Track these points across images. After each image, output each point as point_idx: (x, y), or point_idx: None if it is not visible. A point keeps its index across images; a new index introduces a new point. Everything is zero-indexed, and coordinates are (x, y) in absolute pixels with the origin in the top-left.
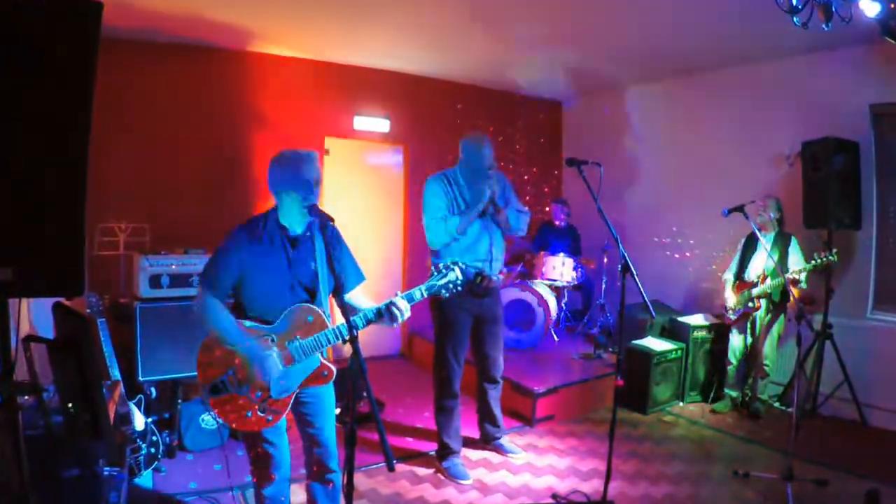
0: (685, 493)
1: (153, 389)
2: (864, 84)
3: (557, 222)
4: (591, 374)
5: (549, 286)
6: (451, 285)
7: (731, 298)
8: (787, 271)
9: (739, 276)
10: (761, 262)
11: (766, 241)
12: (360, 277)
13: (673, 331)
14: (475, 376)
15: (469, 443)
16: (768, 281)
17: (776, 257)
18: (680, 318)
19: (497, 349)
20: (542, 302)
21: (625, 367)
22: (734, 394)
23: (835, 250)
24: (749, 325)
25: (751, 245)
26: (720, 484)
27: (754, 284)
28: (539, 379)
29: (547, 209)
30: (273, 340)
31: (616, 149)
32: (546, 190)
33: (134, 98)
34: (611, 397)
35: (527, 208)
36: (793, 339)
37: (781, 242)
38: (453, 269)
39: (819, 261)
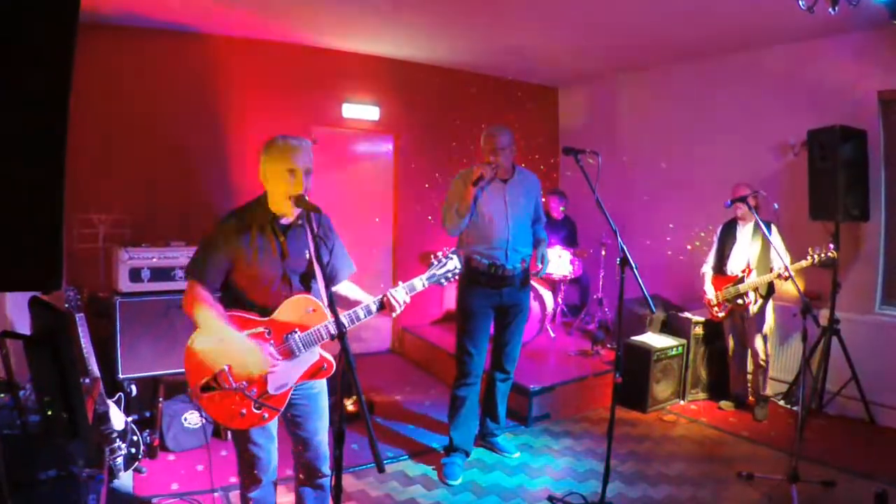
0: (686, 495)
1: (133, 387)
2: (871, 70)
3: (554, 214)
4: (588, 371)
5: (545, 280)
6: (449, 274)
7: (710, 291)
8: (769, 263)
9: (719, 268)
10: (743, 253)
11: (764, 232)
12: (351, 268)
13: (673, 326)
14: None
15: None
16: (754, 275)
17: (759, 249)
18: (681, 314)
19: (513, 339)
20: (538, 296)
21: (623, 363)
22: (737, 393)
23: (832, 246)
24: (741, 322)
25: (729, 235)
26: (723, 485)
27: (740, 279)
28: (534, 376)
29: (542, 199)
30: (268, 333)
31: (615, 138)
32: (545, 182)
33: (114, 85)
34: (609, 395)
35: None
36: (796, 335)
37: (761, 233)
38: (451, 258)
39: (817, 258)
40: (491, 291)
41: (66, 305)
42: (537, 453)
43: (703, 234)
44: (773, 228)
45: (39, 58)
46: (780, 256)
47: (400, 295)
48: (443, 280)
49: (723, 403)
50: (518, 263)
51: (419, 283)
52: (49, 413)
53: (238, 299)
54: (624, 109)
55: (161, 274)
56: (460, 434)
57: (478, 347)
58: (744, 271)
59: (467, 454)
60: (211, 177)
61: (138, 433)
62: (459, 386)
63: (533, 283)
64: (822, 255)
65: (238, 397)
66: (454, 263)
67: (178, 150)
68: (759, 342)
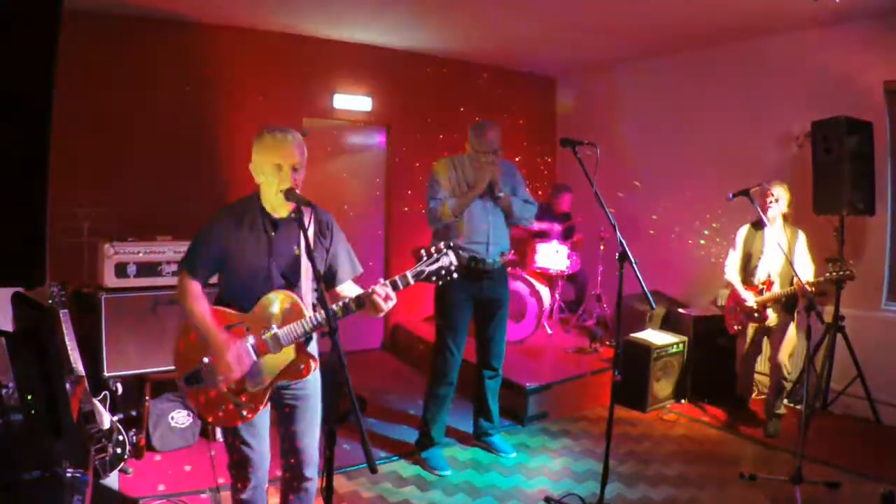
0: (687, 497)
1: (119, 385)
2: (877, 59)
3: (565, 208)
4: (586, 369)
5: (542, 275)
6: (443, 271)
7: (750, 298)
8: (792, 274)
9: (746, 277)
10: (773, 262)
11: (775, 238)
12: (354, 269)
13: (674, 323)
14: (463, 369)
15: (460, 439)
16: (775, 288)
17: (783, 258)
18: (682, 310)
19: (497, 335)
20: (534, 292)
21: (622, 361)
22: (741, 394)
23: (851, 262)
24: (760, 330)
25: (755, 241)
26: (724, 486)
27: (760, 291)
28: (531, 374)
29: (540, 192)
30: (248, 329)
31: (614, 129)
32: (545, 173)
33: (98, 74)
34: (607, 394)
35: (533, 199)
36: (800, 332)
37: (786, 241)
38: (447, 254)
39: (835, 274)
40: (470, 285)
41: (50, 302)
42: (534, 453)
43: (706, 232)
44: (801, 235)
45: (23, 52)
46: (796, 272)
47: (382, 293)
48: (433, 277)
49: (724, 403)
50: (497, 256)
51: (402, 280)
52: (33, 412)
53: (225, 292)
54: (623, 100)
55: (147, 269)
56: (437, 428)
57: (459, 345)
58: (763, 284)
59: (440, 444)
60: (199, 169)
61: (124, 433)
62: (441, 384)
63: (530, 278)
64: (840, 272)
65: (217, 393)
66: (449, 260)
67: (165, 143)
68: (783, 357)
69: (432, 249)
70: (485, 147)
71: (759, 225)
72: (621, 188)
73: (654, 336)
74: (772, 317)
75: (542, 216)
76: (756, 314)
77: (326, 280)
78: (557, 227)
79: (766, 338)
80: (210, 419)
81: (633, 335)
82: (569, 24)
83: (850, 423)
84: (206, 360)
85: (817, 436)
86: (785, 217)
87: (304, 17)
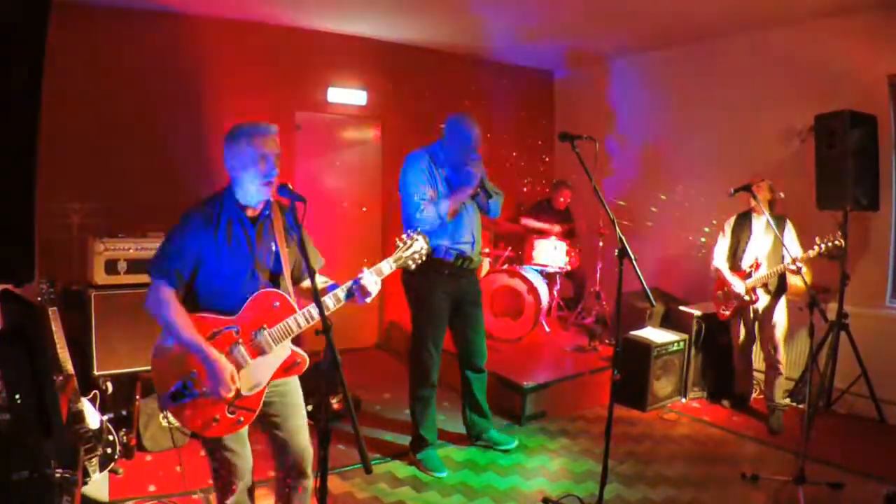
0: (688, 497)
1: (109, 384)
2: (881, 52)
3: (560, 206)
4: (585, 367)
5: (540, 272)
6: (417, 256)
7: (739, 284)
8: (780, 257)
9: (734, 263)
10: (761, 247)
11: (774, 229)
12: (319, 261)
13: (674, 321)
14: (456, 367)
15: (455, 440)
16: (763, 269)
17: (771, 242)
18: (682, 307)
19: (478, 333)
20: (532, 289)
21: (622, 359)
22: (742, 391)
23: (839, 234)
24: (751, 318)
25: (743, 229)
26: (726, 487)
27: (748, 275)
28: (528, 373)
29: (538, 188)
30: (237, 332)
31: (613, 124)
32: (542, 169)
33: (87, 69)
34: (607, 393)
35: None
36: (803, 330)
37: (774, 226)
38: (417, 239)
39: (824, 246)
40: (451, 282)
41: (39, 299)
42: (532, 453)
43: (707, 230)
44: (788, 223)
45: (11, 46)
46: (787, 251)
47: (370, 279)
48: (410, 262)
49: (725, 402)
50: (478, 255)
51: (387, 266)
52: (21, 411)
53: (203, 298)
54: (622, 95)
55: (138, 266)
56: (430, 430)
57: (439, 345)
58: (751, 267)
59: (434, 444)
60: (190, 164)
61: (114, 432)
62: (425, 386)
63: (528, 275)
64: (829, 243)
65: (210, 402)
66: (420, 244)
67: (156, 137)
68: (776, 342)
69: (404, 237)
70: (470, 144)
71: (746, 214)
72: (623, 185)
73: (654, 334)
74: (762, 298)
75: (541, 213)
76: (746, 296)
77: (294, 275)
78: (557, 226)
79: (757, 324)
80: (206, 433)
81: (632, 333)
82: (567, 17)
83: (853, 422)
84: (192, 373)
85: (820, 435)
86: (771, 206)
87: (298, 8)
